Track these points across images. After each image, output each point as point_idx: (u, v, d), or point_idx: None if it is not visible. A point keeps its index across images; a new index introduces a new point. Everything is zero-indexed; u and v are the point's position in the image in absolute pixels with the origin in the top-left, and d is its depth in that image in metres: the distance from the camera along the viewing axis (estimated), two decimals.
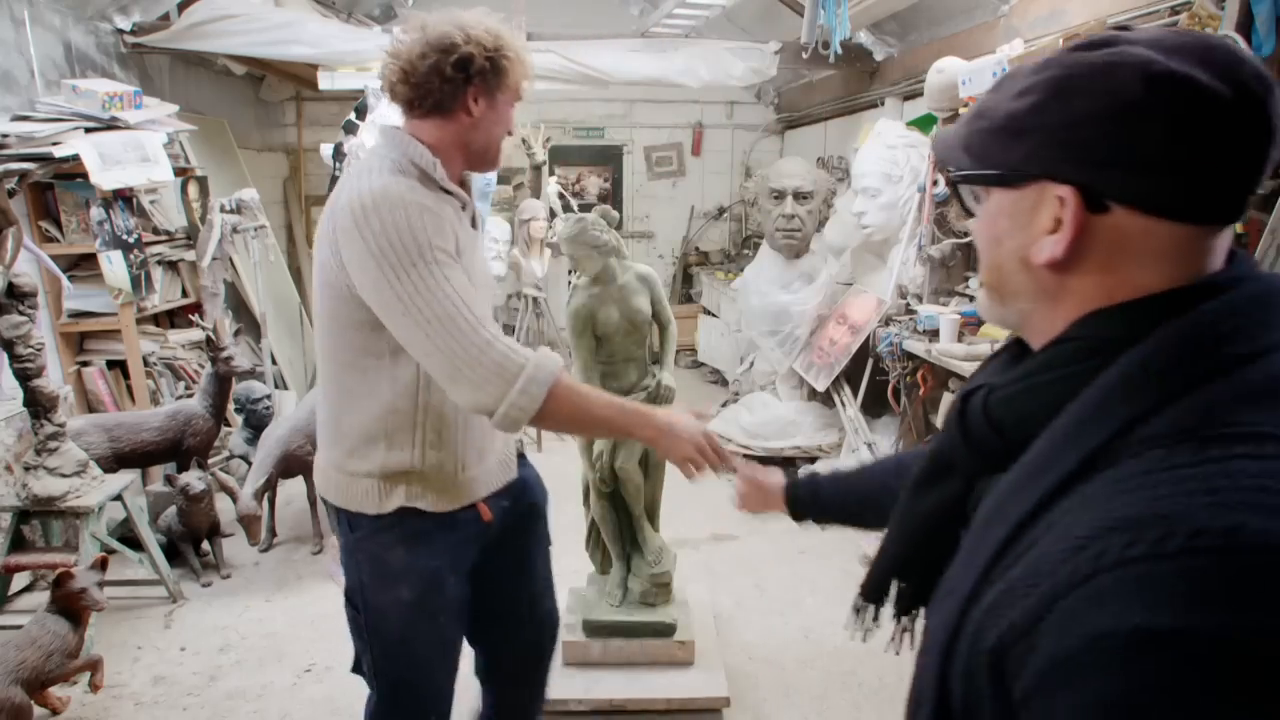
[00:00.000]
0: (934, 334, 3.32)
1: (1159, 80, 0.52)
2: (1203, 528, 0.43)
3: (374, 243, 1.18)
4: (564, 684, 2.21)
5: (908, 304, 3.71)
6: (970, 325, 3.30)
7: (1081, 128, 0.55)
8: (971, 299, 3.48)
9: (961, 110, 3.32)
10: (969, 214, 0.66)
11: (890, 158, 3.92)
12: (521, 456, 1.63)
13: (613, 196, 7.39)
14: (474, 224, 1.40)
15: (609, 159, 7.37)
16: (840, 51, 4.35)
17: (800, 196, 4.19)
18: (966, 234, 3.38)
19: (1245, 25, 1.97)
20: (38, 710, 2.11)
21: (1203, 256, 0.56)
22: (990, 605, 0.53)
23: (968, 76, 3.15)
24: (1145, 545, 0.44)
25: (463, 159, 1.36)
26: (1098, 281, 0.57)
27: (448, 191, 1.31)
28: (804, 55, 4.53)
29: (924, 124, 3.87)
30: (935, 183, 3.50)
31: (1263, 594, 0.41)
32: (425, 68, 1.24)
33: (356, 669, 1.53)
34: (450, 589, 1.43)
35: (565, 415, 1.25)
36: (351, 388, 1.33)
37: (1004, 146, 0.59)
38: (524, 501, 1.60)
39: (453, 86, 1.26)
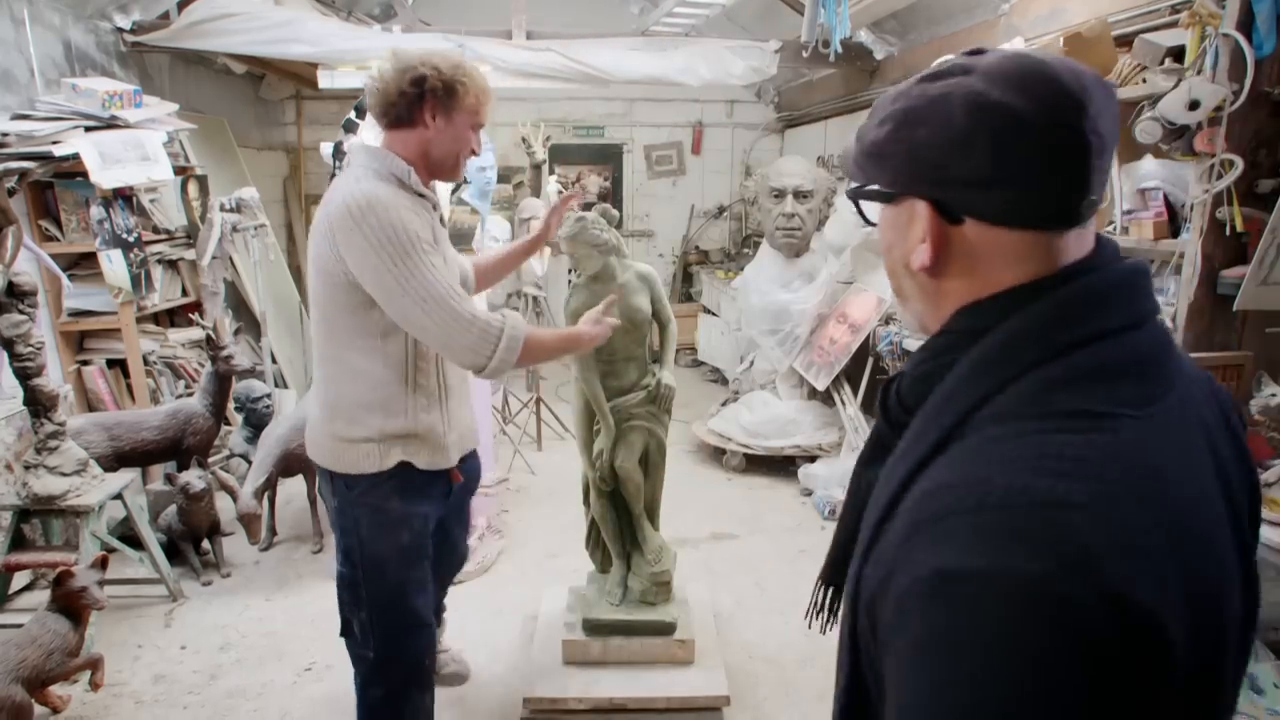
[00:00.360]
0: None
1: (981, 109, 0.59)
2: (996, 488, 0.52)
3: (373, 237, 1.43)
4: (563, 682, 2.22)
5: None
6: None
7: (926, 152, 0.62)
8: None
9: None
10: (869, 224, 0.74)
11: None
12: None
13: (613, 195, 7.39)
14: (441, 222, 1.67)
15: (609, 158, 7.37)
16: (840, 50, 4.35)
17: (800, 195, 4.19)
18: None
19: (1246, 23, 1.97)
20: (39, 709, 2.11)
21: (1056, 254, 0.62)
22: (872, 555, 0.60)
23: None
24: (952, 504, 0.53)
25: (425, 168, 1.60)
26: (965, 283, 0.65)
27: (421, 194, 1.57)
28: (804, 54, 4.52)
29: None
30: None
31: (1010, 541, 0.49)
32: (389, 84, 1.51)
33: (345, 632, 1.70)
34: (430, 535, 1.71)
35: (531, 358, 1.57)
36: (349, 365, 1.56)
37: (877, 168, 0.68)
38: (473, 482, 1.91)
39: (408, 100, 1.52)
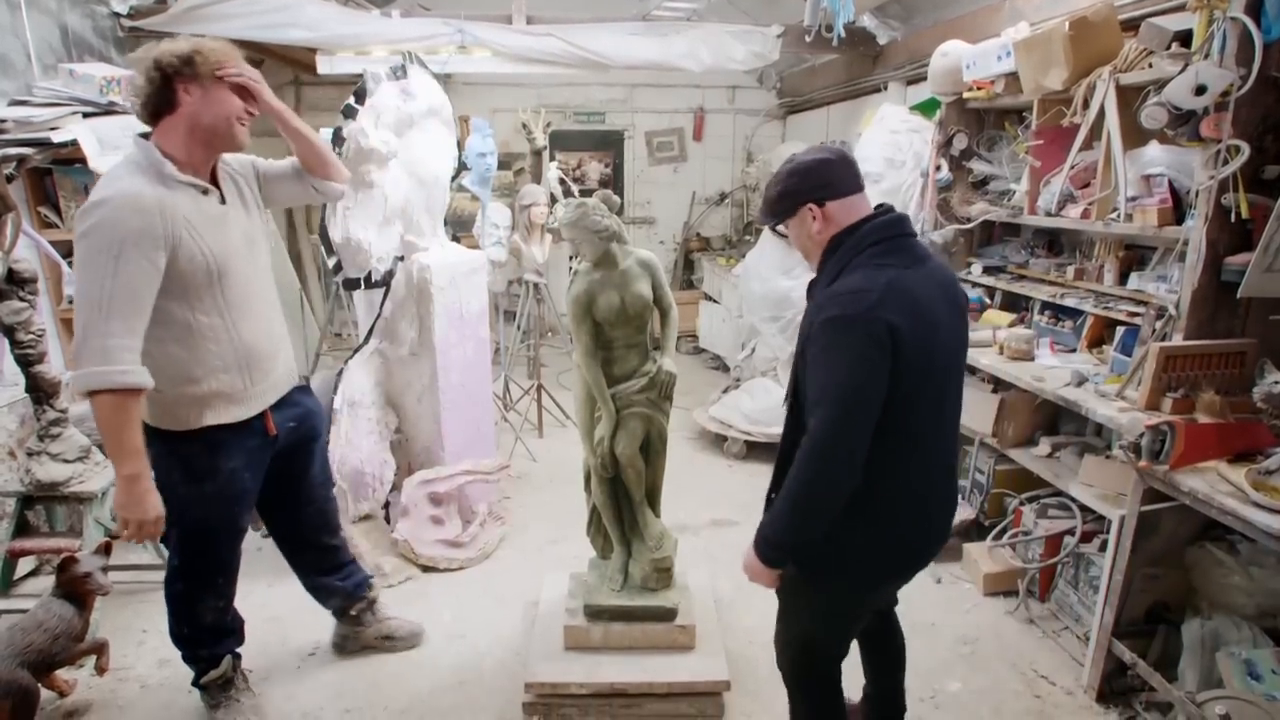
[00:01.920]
0: None
1: (806, 164, 1.58)
2: (849, 288, 1.46)
3: (80, 227, 1.61)
4: (565, 668, 2.23)
5: None
6: (972, 312, 3.30)
7: (800, 187, 1.56)
8: (974, 285, 3.47)
9: (965, 94, 3.30)
10: (781, 235, 1.95)
11: (893, 143, 3.89)
12: (304, 389, 2.14)
13: (614, 182, 7.36)
14: (222, 200, 1.80)
15: (610, 144, 7.33)
16: (843, 35, 4.31)
17: None
18: (970, 220, 3.37)
19: (1255, 7, 1.95)
20: (46, 693, 2.13)
21: (861, 210, 1.56)
22: (801, 329, 1.56)
23: (972, 60, 3.12)
24: (834, 295, 1.47)
25: (200, 144, 1.73)
26: (830, 230, 1.55)
27: (188, 183, 1.71)
28: (807, 39, 4.48)
29: (927, 108, 3.84)
30: (938, 168, 3.48)
31: (849, 303, 1.43)
32: (138, 84, 1.67)
33: (165, 540, 1.95)
34: (245, 482, 1.94)
35: (101, 412, 1.64)
36: (153, 340, 1.71)
37: (782, 204, 1.59)
38: (305, 427, 2.11)
39: (157, 86, 1.66)
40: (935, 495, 1.62)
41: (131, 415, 1.65)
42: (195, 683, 2.16)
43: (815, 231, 1.55)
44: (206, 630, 2.11)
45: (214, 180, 1.82)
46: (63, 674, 2.25)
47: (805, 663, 1.78)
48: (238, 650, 2.21)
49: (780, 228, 1.65)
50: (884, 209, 1.56)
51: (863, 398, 1.40)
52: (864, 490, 1.44)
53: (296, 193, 2.16)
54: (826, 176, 1.54)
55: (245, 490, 1.97)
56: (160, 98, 1.66)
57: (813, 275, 1.63)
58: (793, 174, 1.56)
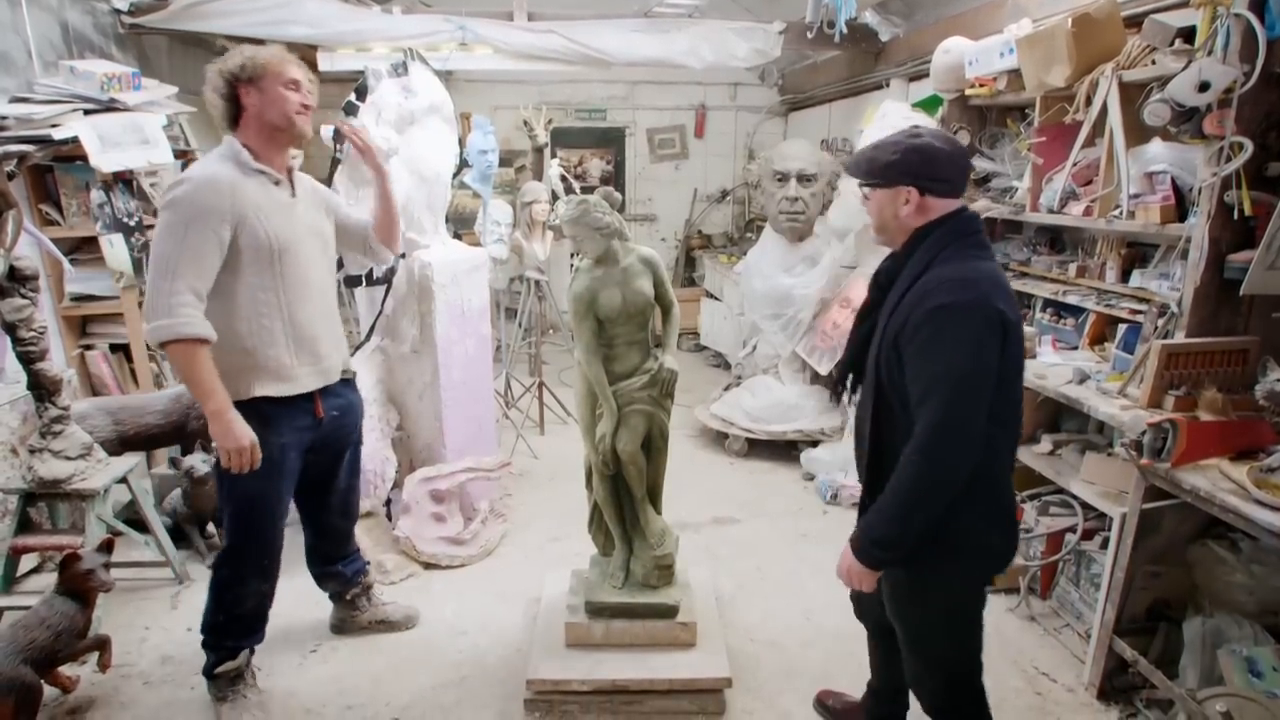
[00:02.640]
0: None
1: (933, 150, 1.50)
2: (953, 276, 1.45)
3: (165, 197, 1.85)
4: (567, 665, 2.23)
5: None
6: None
7: (912, 167, 1.50)
8: None
9: (968, 91, 3.29)
10: (866, 199, 1.61)
11: None
12: (350, 384, 2.26)
13: (615, 179, 7.35)
14: (292, 192, 2.00)
15: (611, 141, 7.32)
16: (845, 32, 4.30)
17: (804, 179, 4.16)
18: None
19: (1259, 4, 1.94)
20: (49, 690, 2.14)
21: (955, 204, 1.53)
22: (891, 322, 1.51)
23: (974, 57, 3.11)
24: (936, 283, 1.45)
25: (269, 140, 1.95)
26: (918, 219, 1.54)
27: (261, 171, 1.92)
28: (809, 35, 4.47)
29: (930, 105, 3.83)
30: None
31: (961, 291, 1.43)
32: (211, 100, 1.93)
33: (217, 522, 2.06)
34: (290, 464, 2.09)
35: (177, 362, 1.84)
36: (214, 313, 1.90)
37: (886, 171, 1.54)
38: (348, 418, 2.27)
39: (224, 97, 1.91)
40: (1012, 472, 1.62)
41: (200, 360, 1.83)
42: (207, 672, 2.20)
43: (903, 214, 1.53)
44: (243, 618, 2.18)
45: (290, 177, 2.04)
46: (65, 671, 2.26)
47: (963, 687, 1.69)
48: (254, 647, 2.26)
49: (865, 189, 1.59)
50: (963, 205, 1.56)
51: (981, 382, 1.40)
52: (981, 480, 1.46)
53: (353, 243, 2.34)
54: (944, 171, 1.51)
55: (292, 469, 2.12)
56: (231, 105, 1.91)
57: (883, 260, 1.63)
58: (914, 151, 1.50)
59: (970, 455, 1.42)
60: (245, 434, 1.90)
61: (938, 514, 1.46)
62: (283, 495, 2.14)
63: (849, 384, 1.75)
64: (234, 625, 2.18)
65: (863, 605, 1.94)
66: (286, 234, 1.94)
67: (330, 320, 2.13)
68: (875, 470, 1.59)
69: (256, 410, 1.97)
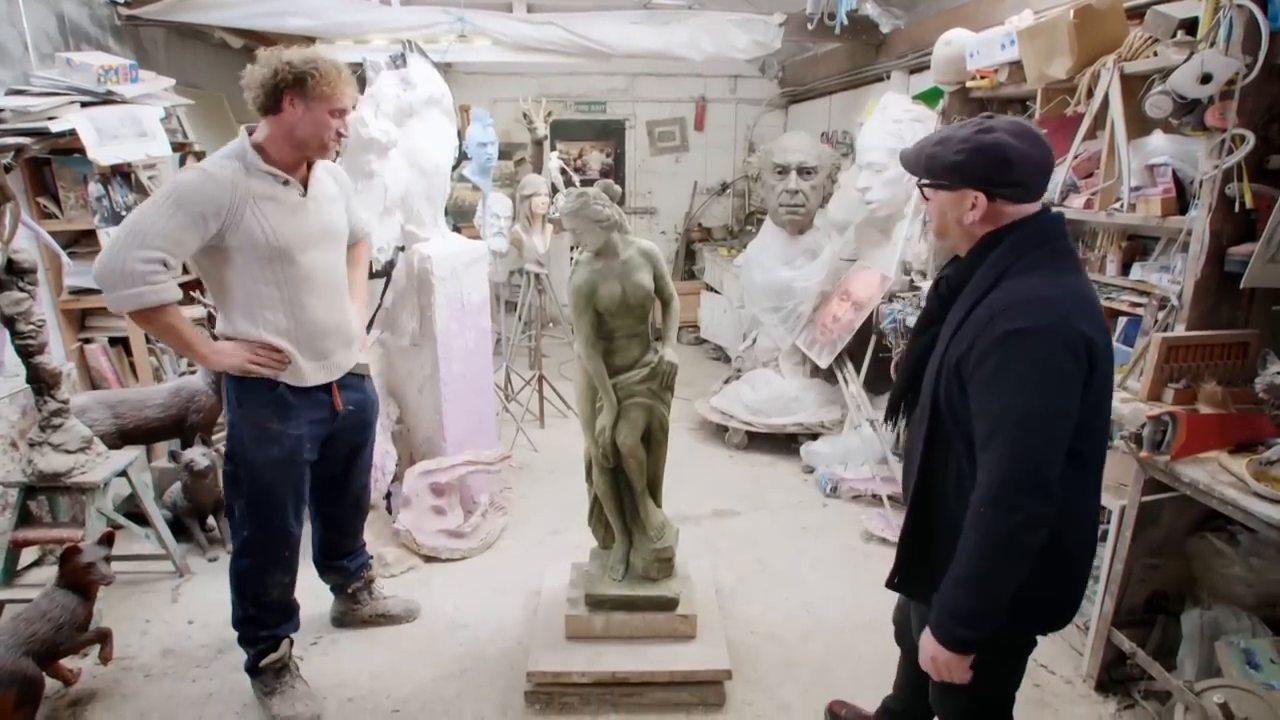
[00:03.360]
0: None
1: (1006, 149, 1.29)
2: (1028, 296, 1.25)
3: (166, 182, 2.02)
4: (567, 657, 2.24)
5: (911, 280, 3.69)
6: None
7: (982, 170, 1.31)
8: None
9: (969, 83, 3.27)
10: (925, 199, 1.44)
11: (896, 132, 3.87)
12: (365, 378, 2.29)
13: (615, 172, 7.33)
14: (303, 193, 1.97)
15: (611, 134, 7.30)
16: (846, 23, 4.28)
17: (804, 172, 4.15)
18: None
19: None
20: (50, 683, 2.15)
21: (1032, 208, 1.35)
22: (954, 343, 1.33)
23: (976, 49, 3.10)
24: (1009, 304, 1.25)
25: (292, 147, 1.91)
26: (987, 225, 1.36)
27: (269, 172, 1.89)
28: (809, 27, 4.45)
29: (930, 98, 3.82)
30: None
31: (1038, 314, 1.22)
32: (254, 78, 1.86)
33: (229, 514, 2.13)
34: (306, 456, 2.10)
35: (155, 328, 1.90)
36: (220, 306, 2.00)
37: (950, 173, 1.35)
38: (363, 413, 2.30)
39: (268, 90, 1.85)
40: (1097, 517, 1.43)
41: (175, 320, 1.85)
42: (251, 668, 2.19)
43: (966, 220, 1.34)
44: (271, 608, 2.17)
45: (308, 176, 2.01)
46: (67, 663, 2.26)
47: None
48: (293, 635, 2.25)
49: (927, 190, 1.40)
50: (1044, 208, 1.35)
51: (1059, 422, 1.22)
52: (1054, 532, 1.25)
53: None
54: (1018, 174, 1.29)
55: (308, 460, 2.13)
56: (269, 100, 1.86)
57: (945, 265, 1.46)
58: (982, 150, 1.28)
59: (1048, 506, 1.22)
60: (240, 348, 1.94)
61: (1020, 575, 1.24)
62: (300, 486, 2.13)
63: (903, 407, 1.54)
64: (267, 614, 2.17)
65: (903, 627, 1.79)
66: (291, 233, 1.93)
67: (340, 317, 2.10)
68: (922, 502, 1.44)
69: (278, 398, 2.00)
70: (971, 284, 1.35)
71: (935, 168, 1.36)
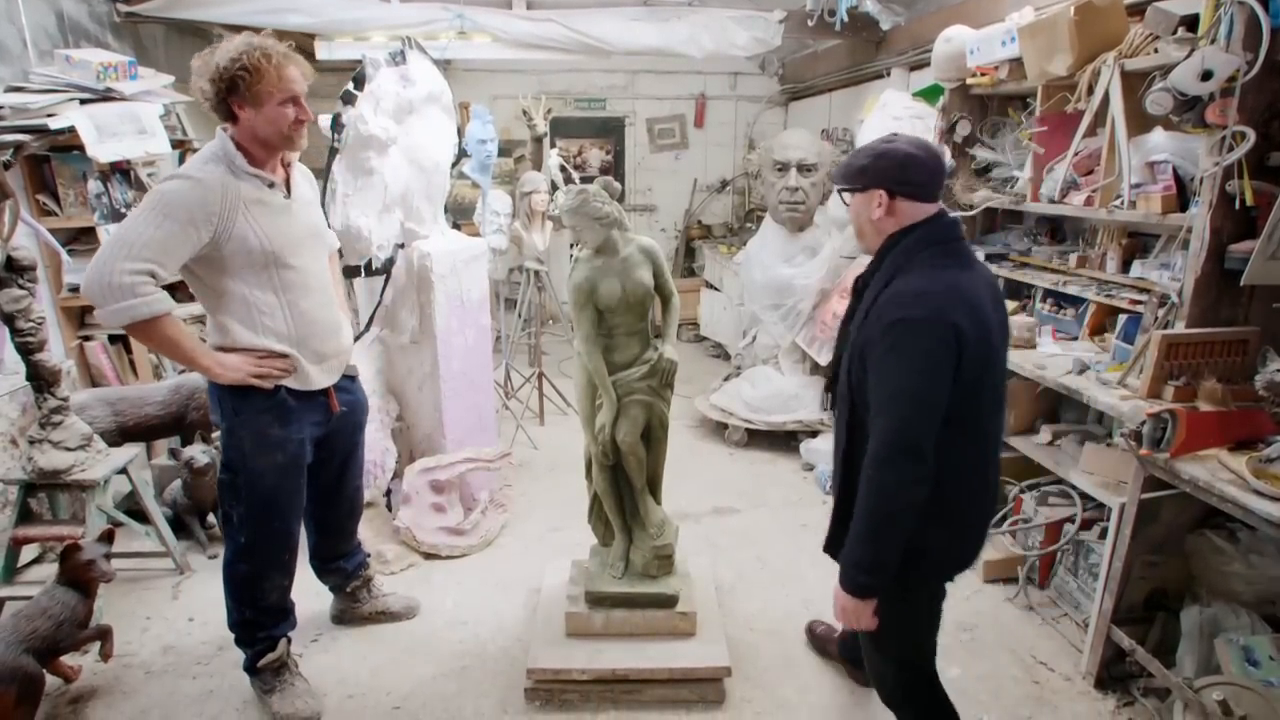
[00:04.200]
0: None
1: (903, 154, 1.54)
2: (913, 289, 1.47)
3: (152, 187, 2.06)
4: (567, 654, 2.24)
5: None
6: None
7: (885, 171, 1.55)
8: None
9: (969, 80, 3.27)
10: (846, 205, 1.66)
11: (896, 129, 3.87)
12: (355, 379, 2.27)
13: (614, 169, 7.33)
14: (288, 194, 1.94)
15: (611, 131, 7.29)
16: (846, 20, 4.28)
17: (804, 169, 4.14)
18: (972, 207, 3.35)
19: None
20: (51, 679, 2.15)
21: (929, 209, 1.56)
22: (860, 332, 1.55)
23: (976, 45, 3.09)
24: (898, 297, 1.48)
25: (261, 147, 1.86)
26: (893, 223, 1.56)
27: (253, 174, 1.85)
28: (809, 24, 4.45)
29: (930, 95, 3.81)
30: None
31: (916, 306, 1.44)
32: (200, 93, 1.80)
33: (226, 520, 2.08)
34: (305, 459, 2.08)
35: (153, 340, 1.82)
36: (216, 313, 1.94)
37: (859, 175, 1.58)
38: (355, 414, 2.28)
39: (214, 104, 1.80)
40: (992, 483, 1.65)
41: (174, 332, 1.80)
42: (249, 668, 2.19)
43: (874, 218, 1.57)
44: (269, 610, 2.16)
45: (288, 177, 1.98)
46: (67, 660, 2.27)
47: (914, 675, 1.78)
48: (290, 634, 2.25)
49: (846, 196, 1.64)
50: (940, 211, 1.57)
51: (930, 401, 1.43)
52: (938, 489, 1.47)
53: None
54: (913, 175, 1.53)
55: (306, 464, 2.10)
56: (221, 110, 1.81)
57: (862, 262, 1.73)
58: (882, 155, 1.55)
59: (922, 472, 1.44)
60: (244, 360, 1.89)
61: (905, 529, 1.47)
62: (299, 490, 2.12)
63: (833, 396, 1.78)
64: (264, 616, 2.17)
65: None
66: (280, 236, 1.89)
67: (333, 317, 2.09)
68: (845, 478, 1.63)
69: (279, 403, 1.97)
70: (875, 279, 1.57)
71: (849, 173, 1.60)
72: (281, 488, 2.04)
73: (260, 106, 1.79)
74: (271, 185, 1.90)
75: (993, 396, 1.56)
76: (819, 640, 2.45)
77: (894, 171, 1.53)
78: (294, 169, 2.02)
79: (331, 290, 2.11)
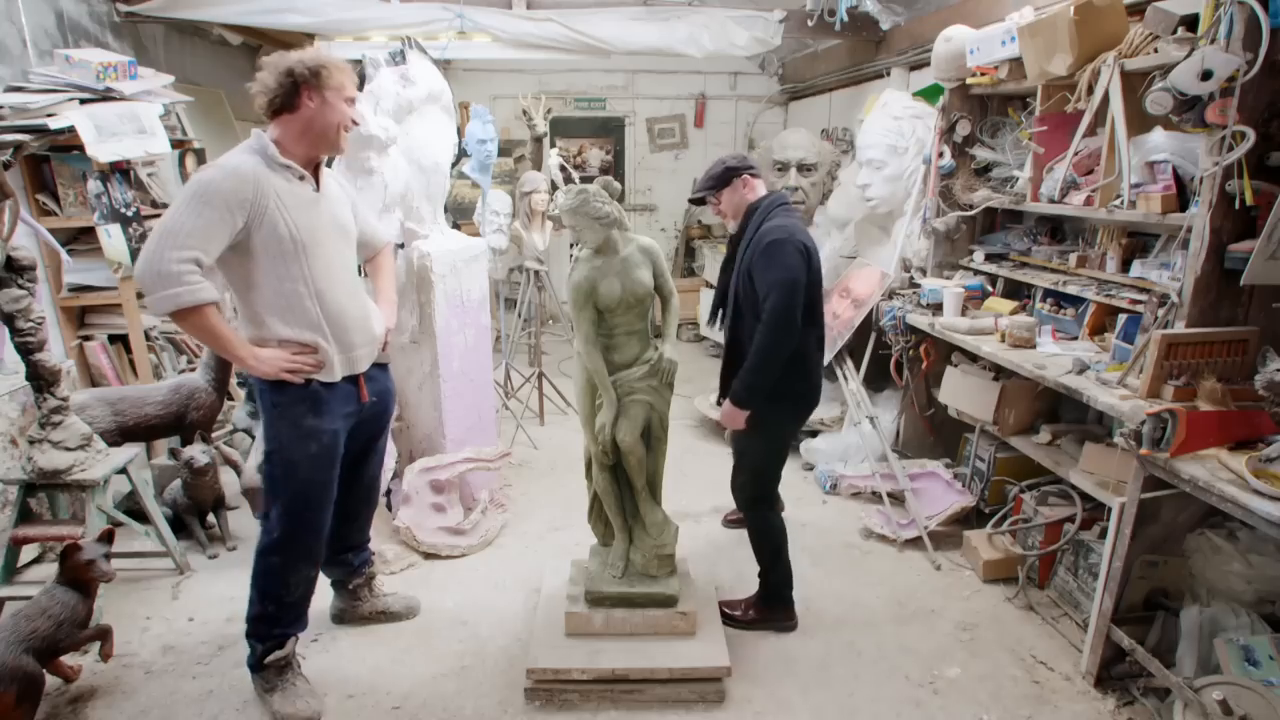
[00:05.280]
0: (937, 308, 3.30)
1: (740, 156, 2.53)
2: (778, 227, 2.30)
3: (191, 177, 1.95)
4: (567, 654, 2.24)
5: (911, 277, 3.69)
6: (974, 299, 3.29)
7: (735, 164, 2.46)
8: (976, 273, 3.46)
9: (969, 80, 3.27)
10: (698, 203, 2.57)
11: (896, 129, 3.87)
12: (384, 369, 2.34)
13: (614, 169, 7.33)
14: (317, 188, 2.02)
15: (611, 131, 7.29)
16: (846, 20, 4.28)
17: (804, 168, 4.14)
18: (972, 206, 3.35)
19: None
20: (51, 679, 2.15)
21: (766, 187, 2.53)
22: (743, 260, 2.37)
23: (976, 45, 3.09)
24: (769, 230, 2.30)
25: (308, 144, 1.98)
26: (753, 195, 2.46)
27: (286, 165, 1.94)
28: (809, 24, 4.45)
29: (930, 94, 3.81)
30: (941, 154, 3.46)
31: (780, 233, 2.27)
32: (268, 81, 1.92)
33: (265, 515, 2.13)
34: (338, 450, 2.14)
35: (195, 329, 1.88)
36: (246, 308, 2.00)
37: (726, 174, 2.45)
38: (384, 404, 2.35)
39: (285, 90, 1.91)
40: (820, 360, 2.48)
41: (216, 320, 1.87)
42: (254, 664, 2.20)
43: (743, 197, 2.42)
44: (292, 605, 2.20)
45: (316, 173, 2.06)
46: (67, 660, 2.27)
47: (761, 487, 2.53)
48: (299, 634, 2.26)
49: (710, 198, 2.46)
50: (773, 189, 2.53)
51: (798, 284, 2.22)
52: (795, 352, 2.28)
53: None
54: (749, 162, 2.46)
55: (341, 454, 2.15)
56: (285, 98, 1.92)
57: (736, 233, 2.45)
58: (730, 160, 2.46)
59: (794, 332, 2.24)
60: (276, 355, 1.95)
61: (776, 372, 2.27)
62: (332, 481, 2.15)
63: (720, 315, 2.57)
64: (284, 613, 2.19)
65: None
66: (310, 227, 1.97)
67: (362, 309, 2.15)
68: (731, 358, 2.43)
69: (313, 394, 2.02)
70: (748, 231, 2.37)
71: (716, 180, 2.44)
72: (314, 479, 2.08)
73: (329, 97, 1.95)
74: (302, 178, 1.98)
75: (819, 300, 2.39)
76: (734, 523, 3.28)
77: (743, 163, 2.44)
78: (323, 169, 2.09)
79: (359, 283, 2.18)
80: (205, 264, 1.83)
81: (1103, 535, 2.44)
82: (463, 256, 3.26)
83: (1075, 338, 2.89)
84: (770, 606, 2.59)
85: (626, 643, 2.29)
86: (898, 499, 3.33)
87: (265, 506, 2.13)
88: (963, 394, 3.18)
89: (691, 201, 2.57)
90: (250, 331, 1.98)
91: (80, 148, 2.97)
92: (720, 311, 2.56)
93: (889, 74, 4.68)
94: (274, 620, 2.18)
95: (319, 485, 2.10)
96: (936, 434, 3.59)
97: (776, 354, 2.22)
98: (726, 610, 2.56)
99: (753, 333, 2.25)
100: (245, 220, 1.86)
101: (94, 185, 3.17)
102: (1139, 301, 2.54)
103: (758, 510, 2.54)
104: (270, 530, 2.11)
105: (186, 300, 1.80)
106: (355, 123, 2.03)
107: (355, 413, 2.17)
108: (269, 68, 1.92)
